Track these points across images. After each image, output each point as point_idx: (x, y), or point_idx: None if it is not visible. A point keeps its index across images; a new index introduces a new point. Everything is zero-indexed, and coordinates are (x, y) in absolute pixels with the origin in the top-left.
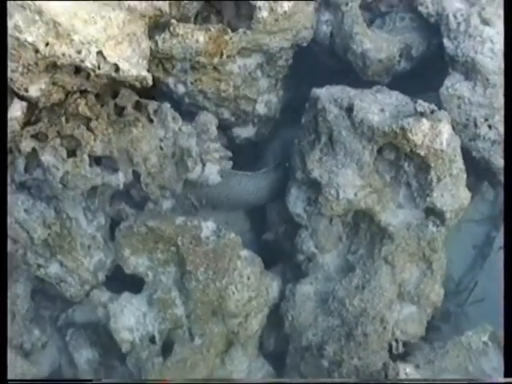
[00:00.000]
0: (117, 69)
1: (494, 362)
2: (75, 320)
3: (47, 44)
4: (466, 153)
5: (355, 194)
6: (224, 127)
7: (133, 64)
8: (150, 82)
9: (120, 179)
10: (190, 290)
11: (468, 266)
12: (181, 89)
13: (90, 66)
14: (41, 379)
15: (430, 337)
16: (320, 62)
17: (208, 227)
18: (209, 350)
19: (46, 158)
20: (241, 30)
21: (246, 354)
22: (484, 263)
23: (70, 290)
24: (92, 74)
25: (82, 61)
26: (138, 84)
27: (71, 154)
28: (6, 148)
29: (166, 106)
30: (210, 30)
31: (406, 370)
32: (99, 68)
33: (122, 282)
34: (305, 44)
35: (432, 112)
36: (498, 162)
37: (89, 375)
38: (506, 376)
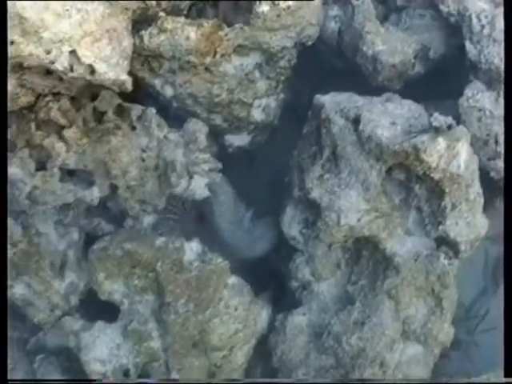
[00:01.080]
0: (92, 71)
1: None
2: (46, 345)
3: (12, 42)
4: (483, 173)
5: (358, 220)
6: (216, 134)
7: (111, 65)
8: (130, 87)
9: (94, 195)
10: (169, 323)
11: (480, 289)
12: (168, 91)
13: (60, 68)
14: (41, 379)
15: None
16: (326, 63)
17: (192, 249)
18: None
19: (13, 170)
20: (238, 26)
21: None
22: (497, 288)
23: (37, 316)
24: (64, 76)
25: (52, 62)
26: (115, 88)
27: (40, 166)
28: (6, 145)
29: (151, 111)
30: (202, 25)
31: None
32: (72, 70)
33: (97, 305)
34: (310, 43)
35: (449, 127)
36: None
37: None
38: (506, 376)
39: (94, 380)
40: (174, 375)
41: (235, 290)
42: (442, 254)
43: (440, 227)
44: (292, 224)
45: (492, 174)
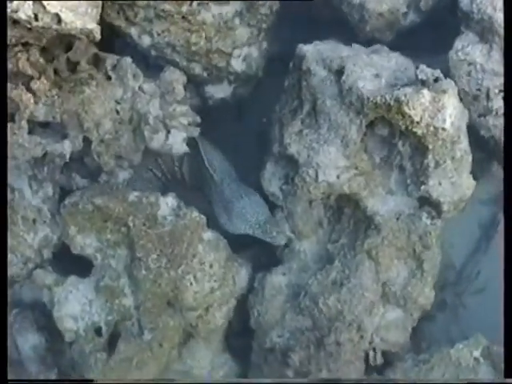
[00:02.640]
0: (59, 20)
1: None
2: (22, 298)
3: None
4: (473, 130)
5: (338, 177)
6: (196, 85)
7: (79, 14)
8: (98, 36)
9: (66, 148)
10: (140, 280)
11: (471, 251)
12: (146, 40)
13: (24, 17)
14: (41, 379)
15: (417, 337)
16: (312, 10)
17: (167, 204)
18: (161, 345)
19: None
20: None
21: (209, 348)
22: (488, 249)
23: (10, 269)
24: (29, 26)
25: (15, 11)
26: (84, 38)
27: (10, 119)
28: (6, 142)
29: (127, 60)
30: None
31: None
32: (36, 19)
33: (71, 260)
34: None
35: (436, 80)
36: None
37: (33, 362)
38: (506, 376)
39: (85, 380)
40: (147, 335)
41: (211, 246)
42: (424, 214)
43: (423, 187)
44: (272, 180)
45: (483, 132)
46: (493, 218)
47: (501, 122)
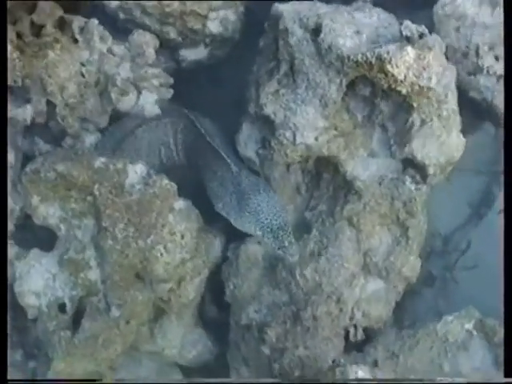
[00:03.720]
0: None
1: (477, 359)
2: None
3: None
4: (462, 91)
5: (316, 138)
6: (170, 49)
7: None
8: None
9: (28, 113)
10: (106, 251)
11: (460, 223)
12: (113, 1)
13: None
14: (41, 379)
15: (401, 312)
16: None
17: (136, 172)
18: (128, 322)
19: None
20: None
21: (181, 324)
22: (480, 222)
23: None
24: None
25: None
26: None
27: None
28: (6, 148)
29: (94, 22)
30: None
31: (358, 374)
32: None
33: (34, 232)
34: None
35: (421, 36)
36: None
37: None
38: (506, 376)
39: (95, 380)
40: (114, 311)
41: (182, 216)
42: (408, 179)
43: (406, 148)
44: (248, 143)
45: (472, 93)
46: (486, 189)
47: (492, 81)
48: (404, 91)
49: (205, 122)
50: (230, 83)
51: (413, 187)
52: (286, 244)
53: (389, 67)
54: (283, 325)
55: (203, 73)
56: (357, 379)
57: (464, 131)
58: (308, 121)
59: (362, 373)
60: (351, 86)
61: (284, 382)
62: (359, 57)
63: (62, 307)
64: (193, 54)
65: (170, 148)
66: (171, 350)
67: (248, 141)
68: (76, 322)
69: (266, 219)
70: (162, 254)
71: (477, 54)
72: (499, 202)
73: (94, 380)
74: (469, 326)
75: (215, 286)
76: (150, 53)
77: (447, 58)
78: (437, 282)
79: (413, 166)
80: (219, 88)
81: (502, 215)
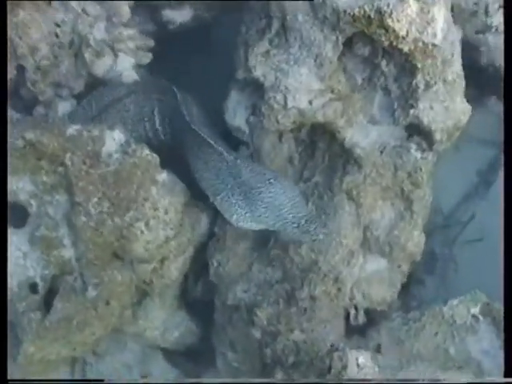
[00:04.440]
0: None
1: (485, 343)
2: None
3: None
4: (468, 54)
5: (310, 102)
6: (151, 9)
7: None
8: None
9: None
10: (79, 228)
11: (464, 196)
12: None
13: None
14: (41, 379)
15: (407, 297)
16: None
17: (114, 139)
18: (108, 304)
19: None
20: None
21: (163, 306)
22: (487, 193)
23: None
24: None
25: None
26: None
27: None
28: (6, 142)
29: None
30: None
31: (359, 361)
32: None
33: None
34: None
35: None
36: None
37: None
38: (506, 376)
39: (95, 380)
40: (91, 291)
41: (166, 189)
42: (413, 146)
43: (411, 112)
44: (237, 111)
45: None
46: (493, 160)
47: (501, 42)
48: (406, 49)
49: (192, 104)
50: (218, 48)
51: (418, 155)
52: (321, 237)
53: (389, 22)
54: (275, 305)
55: (188, 37)
56: (359, 379)
57: (469, 100)
58: (301, 83)
59: (363, 359)
60: (349, 44)
61: (284, 382)
62: (356, 10)
63: (33, 287)
64: (177, 16)
65: (156, 126)
66: (153, 332)
67: (237, 109)
68: (48, 303)
69: (290, 214)
70: (142, 232)
71: (486, 12)
72: None
73: (94, 380)
74: (475, 310)
75: (201, 265)
76: (125, 11)
77: (453, 16)
78: (438, 262)
79: (418, 133)
80: (206, 54)
81: None
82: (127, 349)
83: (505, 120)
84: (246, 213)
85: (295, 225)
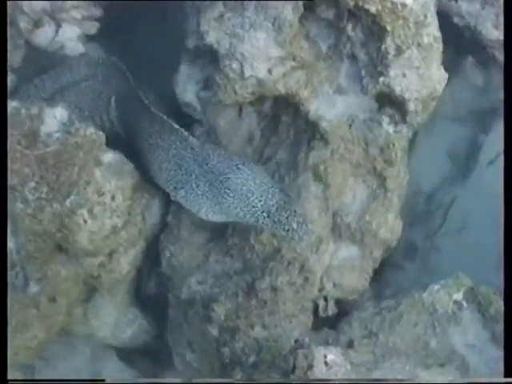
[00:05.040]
0: None
1: (470, 335)
2: None
3: None
4: (443, 17)
5: (269, 71)
6: None
7: None
8: None
9: None
10: (16, 216)
11: (443, 180)
12: None
13: None
14: (41, 379)
15: (380, 285)
16: None
17: (55, 117)
18: (52, 301)
19: None
20: None
21: (114, 302)
22: (466, 178)
23: None
24: None
25: None
26: None
27: None
28: (6, 146)
29: None
30: None
31: (328, 358)
32: None
33: None
34: None
35: None
36: (490, 32)
37: None
38: (506, 376)
39: (95, 380)
40: (33, 287)
41: (112, 171)
42: (384, 118)
43: (381, 80)
44: (187, 85)
45: (455, 19)
46: (472, 139)
47: (476, 6)
48: (374, 10)
49: (149, 92)
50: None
51: (391, 129)
52: (295, 226)
53: None
54: (234, 298)
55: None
56: (327, 379)
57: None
58: (258, 49)
59: (332, 356)
60: (311, 6)
61: (286, 382)
62: None
63: None
64: None
65: (111, 117)
66: (104, 331)
67: (187, 82)
68: None
69: (260, 201)
70: (85, 221)
71: None
72: (487, 153)
73: (94, 380)
74: (458, 296)
75: (154, 258)
76: None
77: None
78: (419, 251)
79: (390, 103)
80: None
81: (491, 168)
82: (77, 350)
83: (505, 120)
84: (214, 204)
85: (265, 214)
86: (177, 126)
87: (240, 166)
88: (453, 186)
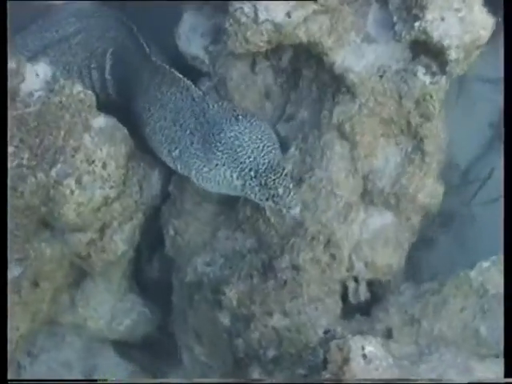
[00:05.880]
0: None
1: None
2: None
3: None
4: None
5: (288, 15)
6: None
7: None
8: None
9: None
10: None
11: (481, 148)
12: None
13: None
14: (41, 379)
15: (415, 263)
16: None
17: (38, 74)
18: (36, 286)
19: None
20: None
21: (109, 288)
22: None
23: None
24: None
25: None
26: None
27: None
28: (6, 145)
29: None
30: None
31: (366, 350)
32: None
33: None
34: None
35: None
36: None
37: None
38: (506, 376)
39: (96, 380)
40: (14, 270)
41: (103, 136)
42: (420, 68)
43: (416, 25)
44: (192, 37)
45: None
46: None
47: None
48: None
49: (150, 42)
50: None
51: (427, 80)
52: (280, 191)
53: None
54: (248, 280)
55: None
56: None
57: None
58: None
59: (371, 348)
60: None
61: (287, 383)
62: None
63: None
64: None
65: (106, 75)
66: (97, 322)
67: (191, 34)
68: None
69: (249, 157)
70: (72, 191)
71: None
72: None
73: (95, 380)
74: None
75: (156, 235)
76: None
77: None
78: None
79: (426, 52)
80: None
81: None
82: (66, 344)
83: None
84: (204, 165)
85: (252, 173)
86: (179, 75)
87: (240, 116)
88: (490, 156)
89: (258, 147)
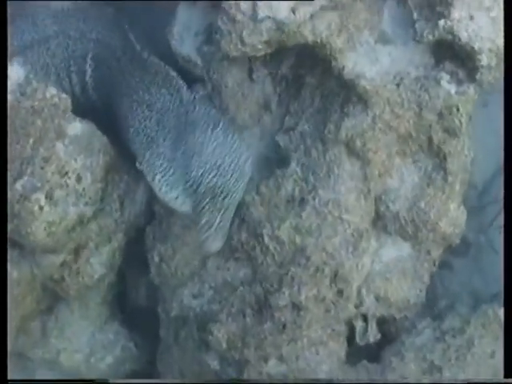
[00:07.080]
0: None
1: None
2: None
3: None
4: None
5: (292, 11)
6: None
7: None
8: None
9: None
10: None
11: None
12: None
13: None
14: (41, 379)
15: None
16: None
17: (9, 77)
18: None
19: None
20: None
21: (86, 316)
22: None
23: None
24: None
25: None
26: None
27: None
28: (6, 138)
29: None
30: None
31: None
32: None
33: None
34: None
35: None
36: None
37: None
38: (506, 376)
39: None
40: None
41: (79, 145)
42: (444, 75)
43: (441, 24)
44: (185, 36)
45: None
46: None
47: None
48: None
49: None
50: None
51: (453, 89)
52: (203, 222)
53: None
54: (240, 319)
55: None
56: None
57: None
58: None
59: None
60: None
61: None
62: None
63: None
64: None
65: (86, 78)
66: (72, 356)
67: (184, 32)
68: None
69: (198, 170)
70: (41, 208)
71: None
72: None
73: (95, 380)
74: None
75: (141, 257)
76: None
77: None
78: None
79: (452, 56)
80: None
81: None
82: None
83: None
84: (168, 168)
85: (195, 186)
86: (173, 73)
87: (219, 128)
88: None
89: (215, 164)
